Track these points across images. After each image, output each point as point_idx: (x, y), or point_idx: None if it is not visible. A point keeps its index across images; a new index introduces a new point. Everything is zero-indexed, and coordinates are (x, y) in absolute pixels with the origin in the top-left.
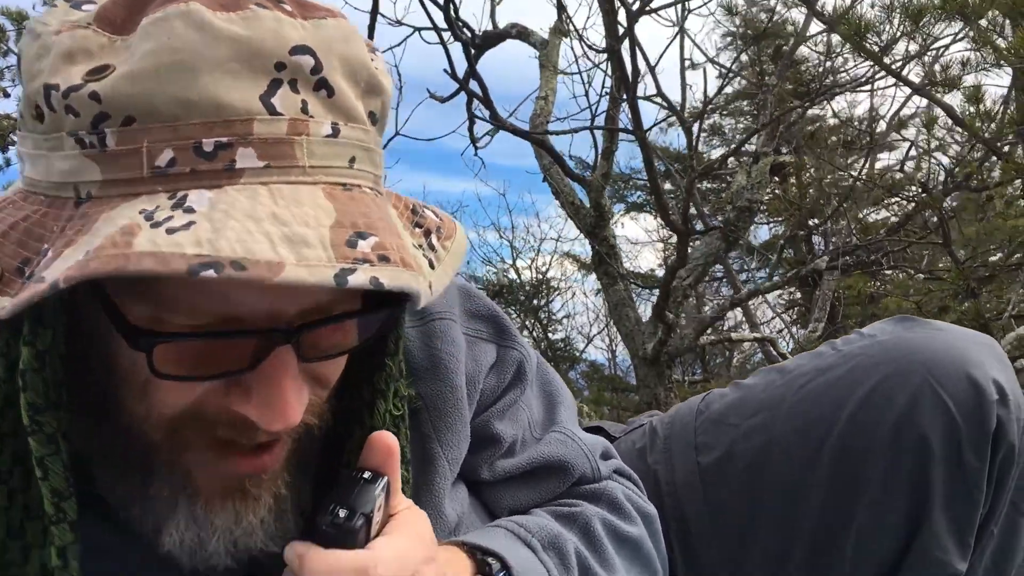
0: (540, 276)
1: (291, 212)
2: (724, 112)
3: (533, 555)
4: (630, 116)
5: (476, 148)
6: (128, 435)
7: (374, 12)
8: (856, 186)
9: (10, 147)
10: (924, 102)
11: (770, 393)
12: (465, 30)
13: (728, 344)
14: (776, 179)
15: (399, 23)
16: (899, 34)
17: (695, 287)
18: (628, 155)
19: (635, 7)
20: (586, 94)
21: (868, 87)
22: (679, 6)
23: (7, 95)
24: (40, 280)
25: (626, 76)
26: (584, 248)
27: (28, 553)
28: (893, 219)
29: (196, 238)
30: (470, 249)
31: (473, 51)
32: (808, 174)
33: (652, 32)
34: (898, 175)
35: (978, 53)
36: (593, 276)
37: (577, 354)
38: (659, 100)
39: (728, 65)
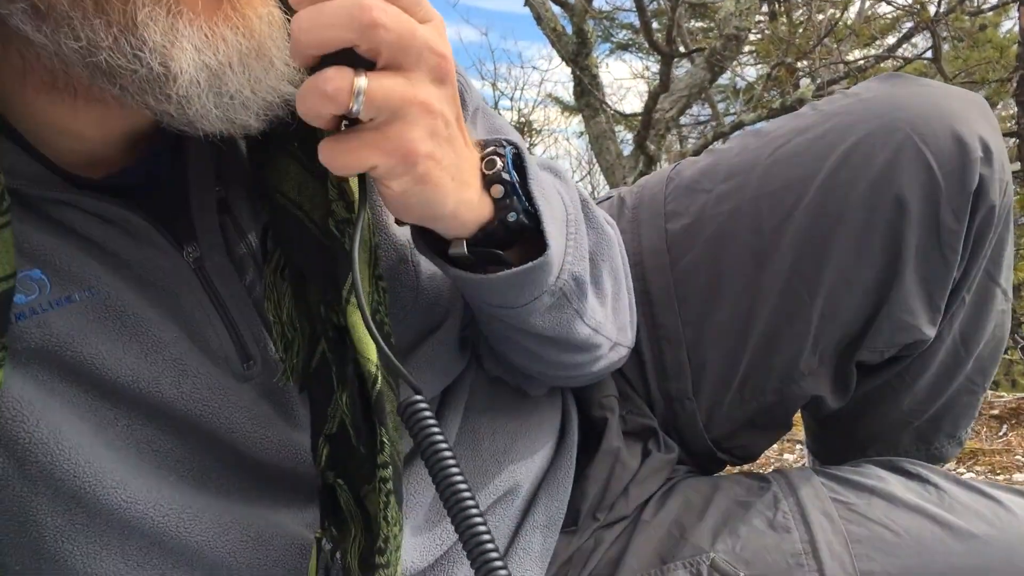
0: (523, 120)
1: None
2: None
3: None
4: None
5: None
6: None
7: None
8: (845, 20)
9: None
10: None
11: (744, 157)
12: None
13: None
14: (766, 11)
15: None
16: None
17: (677, 120)
18: None
19: None
20: None
21: None
22: None
23: None
24: None
25: None
26: (567, 92)
27: None
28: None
29: None
30: None
31: None
32: (801, 10)
33: None
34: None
35: None
36: (576, 120)
37: None
38: None
39: None
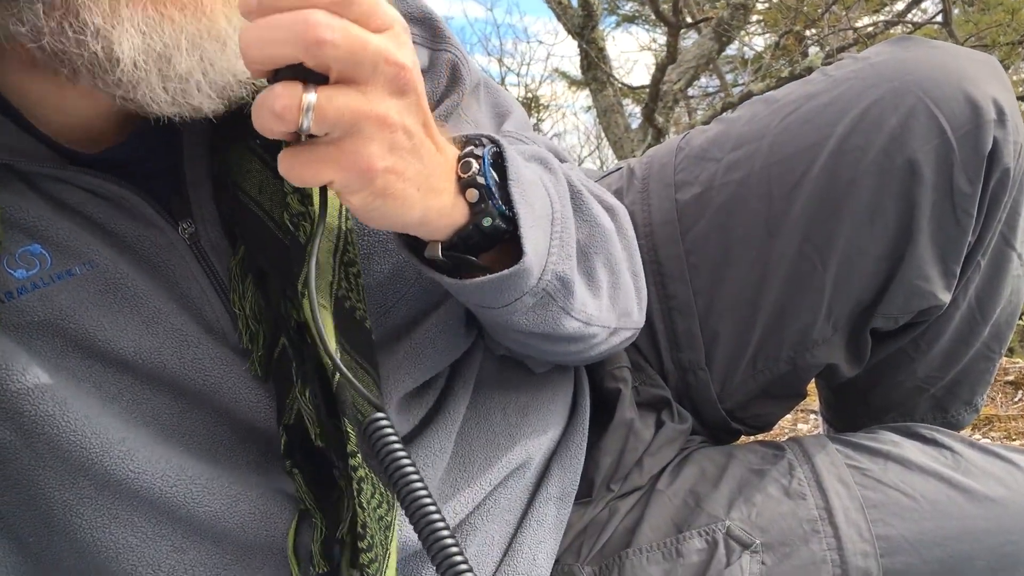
0: (531, 96)
1: None
2: None
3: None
4: None
5: None
6: None
7: None
8: None
9: None
10: None
11: (754, 125)
12: None
13: None
14: None
15: None
16: None
17: (685, 92)
18: None
19: None
20: None
21: None
22: None
23: None
24: None
25: None
26: (574, 66)
27: None
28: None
29: None
30: None
31: None
32: None
33: None
34: None
35: None
36: (583, 94)
37: None
38: None
39: None
